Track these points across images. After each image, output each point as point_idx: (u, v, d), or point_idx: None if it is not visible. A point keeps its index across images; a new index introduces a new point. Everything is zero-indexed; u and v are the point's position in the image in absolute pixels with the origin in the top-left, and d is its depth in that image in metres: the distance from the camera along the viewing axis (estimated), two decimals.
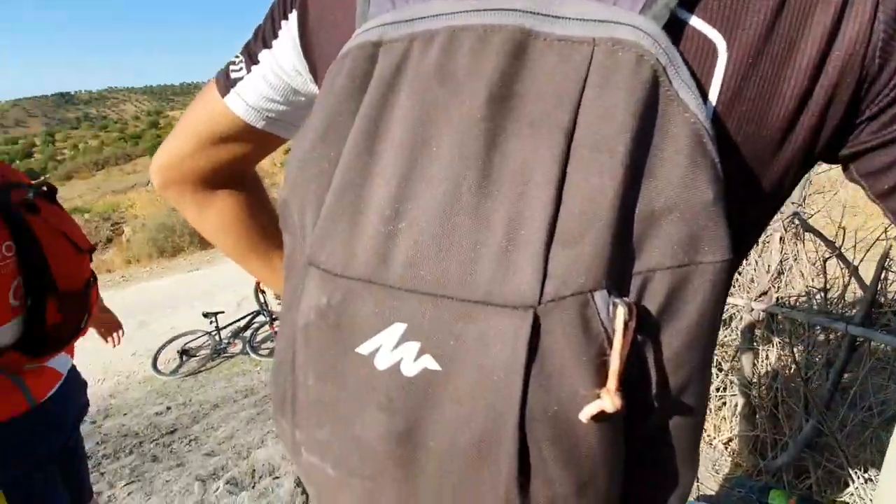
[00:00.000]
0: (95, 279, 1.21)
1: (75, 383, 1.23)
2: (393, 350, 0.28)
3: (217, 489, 2.25)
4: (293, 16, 0.44)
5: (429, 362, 0.28)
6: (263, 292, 6.10)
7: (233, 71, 0.50)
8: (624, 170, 0.26)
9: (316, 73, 0.45)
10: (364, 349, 0.29)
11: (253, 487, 2.23)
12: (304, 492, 2.08)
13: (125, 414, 4.29)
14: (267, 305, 5.94)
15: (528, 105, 0.27)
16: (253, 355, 5.27)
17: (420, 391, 0.28)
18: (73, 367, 1.24)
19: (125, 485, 2.64)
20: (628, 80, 0.26)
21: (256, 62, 0.48)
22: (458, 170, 0.28)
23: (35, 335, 1.02)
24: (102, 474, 2.67)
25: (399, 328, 0.28)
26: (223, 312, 5.69)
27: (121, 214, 13.89)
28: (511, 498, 0.27)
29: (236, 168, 0.56)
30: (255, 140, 0.53)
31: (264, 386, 4.56)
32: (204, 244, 11.05)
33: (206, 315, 5.51)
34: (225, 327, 5.59)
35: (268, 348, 5.49)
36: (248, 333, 5.59)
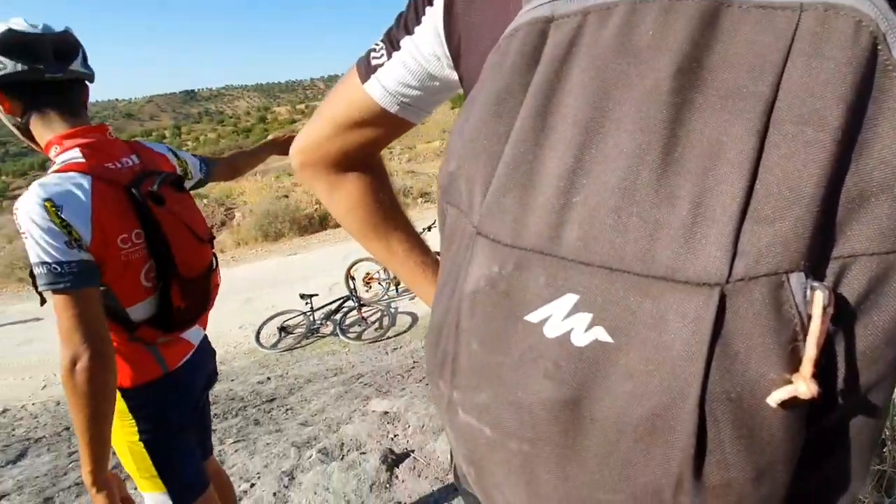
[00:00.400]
0: (216, 266, 1.32)
1: (205, 353, 1.36)
2: (564, 320, 0.29)
3: (310, 456, 2.42)
4: (438, 2, 0.46)
5: (601, 334, 0.28)
6: (353, 279, 6.43)
7: (374, 58, 0.52)
8: (835, 145, 0.24)
9: (459, 56, 0.46)
10: (533, 317, 0.29)
11: (341, 459, 2.37)
12: (388, 468, 2.17)
13: (232, 380, 4.75)
14: (356, 291, 6.25)
15: (720, 76, 0.26)
16: (342, 337, 5.59)
17: (590, 362, 0.28)
18: (205, 338, 1.38)
19: (232, 442, 2.92)
20: (844, 48, 0.24)
21: (397, 48, 0.50)
22: (640, 144, 0.27)
23: (163, 312, 1.14)
24: (214, 431, 2.97)
25: (571, 299, 0.28)
26: (317, 295, 6.07)
27: (233, 200, 15.30)
28: (684, 476, 0.27)
29: (366, 152, 0.60)
30: (388, 125, 0.56)
31: (351, 367, 4.82)
32: (302, 230, 11.86)
33: (302, 296, 5.92)
34: (318, 309, 5.97)
35: (355, 332, 5.79)
36: (338, 317, 5.93)
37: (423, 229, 6.61)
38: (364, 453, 2.34)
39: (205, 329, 1.37)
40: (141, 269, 1.09)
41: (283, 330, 5.82)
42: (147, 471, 1.17)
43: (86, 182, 1.00)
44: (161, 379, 1.18)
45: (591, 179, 0.28)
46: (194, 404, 1.31)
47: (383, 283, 6.64)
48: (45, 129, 1.06)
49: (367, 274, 6.67)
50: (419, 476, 2.10)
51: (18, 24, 1.01)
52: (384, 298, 6.58)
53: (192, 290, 1.19)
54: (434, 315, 0.38)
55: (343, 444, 2.53)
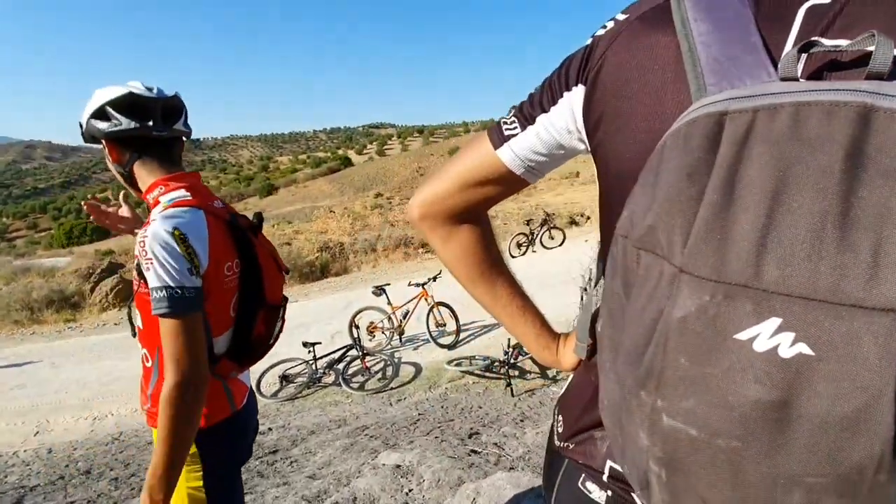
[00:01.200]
0: (286, 299, 1.38)
1: (253, 396, 1.39)
2: (770, 338, 0.36)
3: None
4: (578, 89, 0.57)
5: (803, 348, 0.35)
6: (357, 327, 6.40)
7: (507, 129, 0.64)
8: None
9: (595, 131, 0.57)
10: (742, 336, 0.37)
11: None
12: None
13: None
14: (360, 341, 6.20)
15: (878, 160, 0.35)
16: (345, 387, 5.50)
17: (795, 370, 0.35)
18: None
19: None
20: None
21: (532, 122, 0.62)
22: (822, 206, 0.35)
23: (242, 345, 1.18)
24: None
25: (775, 322, 0.36)
26: (320, 343, 6.03)
27: None
28: (885, 457, 0.34)
29: (483, 207, 0.70)
30: (509, 184, 0.67)
31: (355, 418, 4.72)
32: (303, 278, 11.86)
33: (305, 344, 5.87)
34: (321, 357, 5.90)
35: (358, 381, 5.71)
36: (341, 366, 5.86)
37: (429, 279, 6.66)
38: None
39: (249, 372, 1.40)
40: (232, 298, 1.16)
41: (285, 378, 5.72)
42: None
43: (200, 215, 1.09)
44: (230, 418, 1.20)
45: (781, 231, 0.36)
46: (249, 449, 1.32)
47: (387, 333, 6.61)
48: (148, 175, 1.16)
49: (371, 323, 6.65)
50: None
51: (136, 87, 1.12)
52: (387, 348, 6.53)
53: (272, 316, 1.26)
54: (629, 339, 0.45)
55: (356, 498, 2.46)
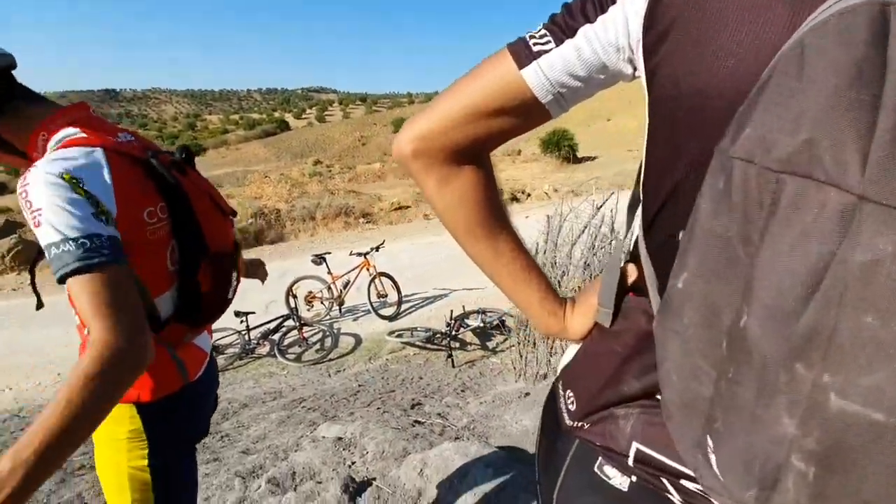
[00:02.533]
0: (239, 246, 1.18)
1: (214, 364, 1.21)
2: None
3: (259, 487, 2.21)
4: None
5: None
6: (295, 297, 6.14)
7: (535, 44, 0.51)
8: None
9: (662, 40, 0.45)
10: None
11: (295, 490, 2.19)
12: (350, 498, 2.03)
13: None
14: (297, 310, 5.96)
15: None
16: (280, 358, 5.27)
17: None
18: (213, 347, 1.22)
19: None
20: None
21: (571, 35, 0.49)
22: None
23: (190, 303, 0.99)
24: None
25: None
26: (254, 313, 5.72)
27: None
28: None
29: (491, 144, 0.57)
30: (528, 116, 0.54)
31: (292, 390, 4.54)
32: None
33: (237, 314, 5.54)
34: (254, 328, 5.61)
35: (294, 353, 5.50)
36: (276, 336, 5.61)
37: (371, 249, 6.49)
38: (321, 482, 2.17)
39: (211, 335, 1.22)
40: (166, 250, 0.96)
41: (215, 349, 5.37)
42: (143, 503, 1.00)
43: (98, 154, 0.86)
44: (182, 391, 1.02)
45: None
46: (205, 423, 1.16)
47: (326, 303, 6.40)
48: (21, 128, 0.91)
49: (310, 293, 6.41)
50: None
51: None
52: (326, 319, 6.33)
53: (221, 271, 1.06)
54: (765, 295, 0.34)
55: (295, 472, 2.34)
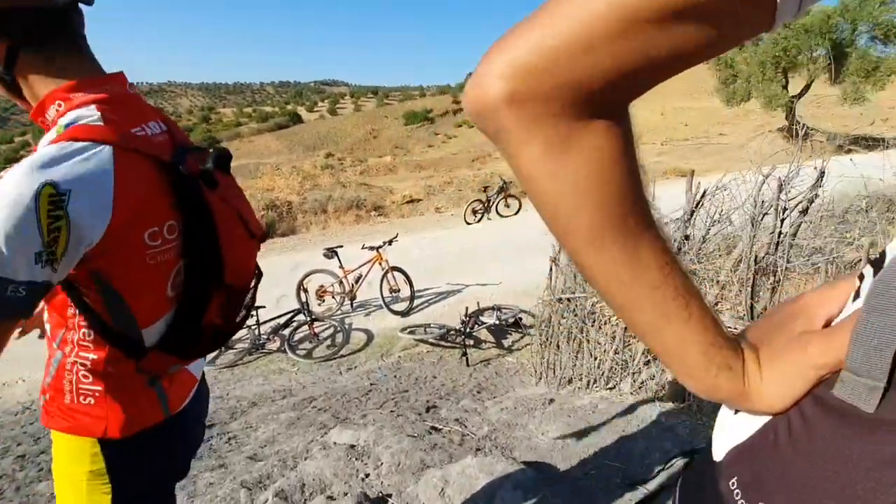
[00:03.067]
0: (261, 274, 1.01)
1: (204, 390, 1.05)
2: None
3: (265, 501, 2.05)
4: None
5: None
6: (306, 291, 5.99)
7: None
8: None
9: None
10: None
11: None
12: None
13: None
14: (308, 305, 5.82)
15: None
16: (291, 354, 5.13)
17: None
18: (203, 371, 1.05)
19: None
20: None
21: None
22: None
23: (186, 333, 0.82)
24: None
25: None
26: (264, 307, 5.58)
27: None
28: None
29: (648, 80, 0.34)
30: (730, 20, 0.30)
31: (302, 388, 4.40)
32: None
33: None
34: (264, 322, 5.48)
35: (305, 349, 5.35)
36: (287, 332, 5.46)
37: (384, 242, 6.31)
38: (333, 498, 2.00)
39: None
40: (169, 276, 0.79)
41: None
42: None
43: (106, 156, 0.69)
44: (160, 425, 0.86)
45: None
46: (186, 461, 0.98)
47: (337, 298, 6.24)
48: (40, 81, 0.74)
49: (321, 287, 6.26)
50: None
51: None
52: (338, 314, 6.18)
53: (234, 302, 0.90)
54: None
55: (304, 484, 2.17)
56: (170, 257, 0.77)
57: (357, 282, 6.23)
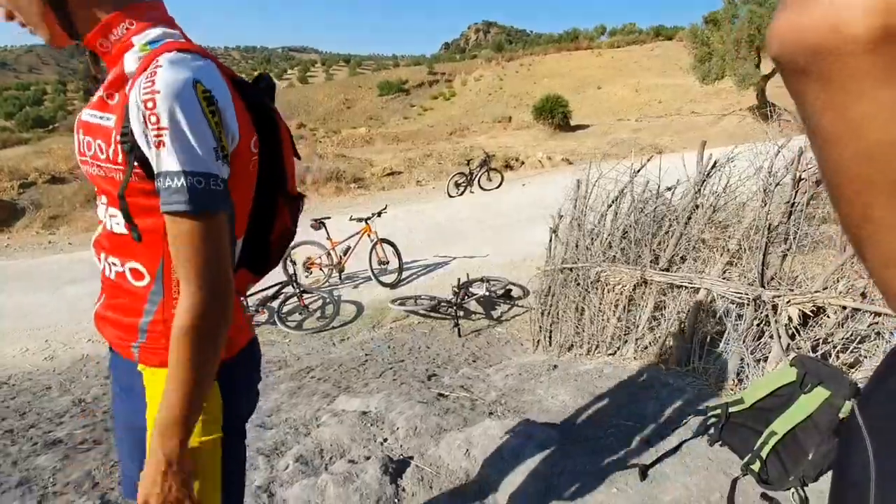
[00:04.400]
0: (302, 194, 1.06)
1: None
2: None
3: (287, 467, 2.04)
4: None
5: None
6: (293, 263, 5.89)
7: None
8: None
9: None
10: None
11: (326, 470, 2.03)
12: (391, 480, 1.88)
13: None
14: (296, 277, 5.73)
15: None
16: (281, 326, 5.08)
17: None
18: None
19: None
20: None
21: None
22: None
23: (260, 247, 0.88)
24: None
25: None
26: None
27: None
28: None
29: None
30: None
31: (297, 359, 4.37)
32: None
33: None
34: (251, 294, 5.38)
35: (295, 320, 5.30)
36: (275, 304, 5.39)
37: (373, 214, 6.23)
38: (354, 462, 2.01)
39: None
40: (254, 187, 0.85)
41: None
42: (211, 481, 0.84)
43: (214, 68, 0.73)
44: (249, 346, 0.91)
45: None
46: (256, 396, 1.04)
47: (325, 269, 6.17)
48: (96, 2, 0.74)
49: (309, 258, 6.16)
50: (430, 487, 1.84)
51: None
52: (326, 285, 6.12)
53: (295, 211, 0.97)
54: None
55: (322, 450, 2.18)
56: (255, 169, 0.83)
57: (346, 254, 6.16)
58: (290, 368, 4.01)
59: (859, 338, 1.79)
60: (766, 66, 23.08)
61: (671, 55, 38.84)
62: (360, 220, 6.18)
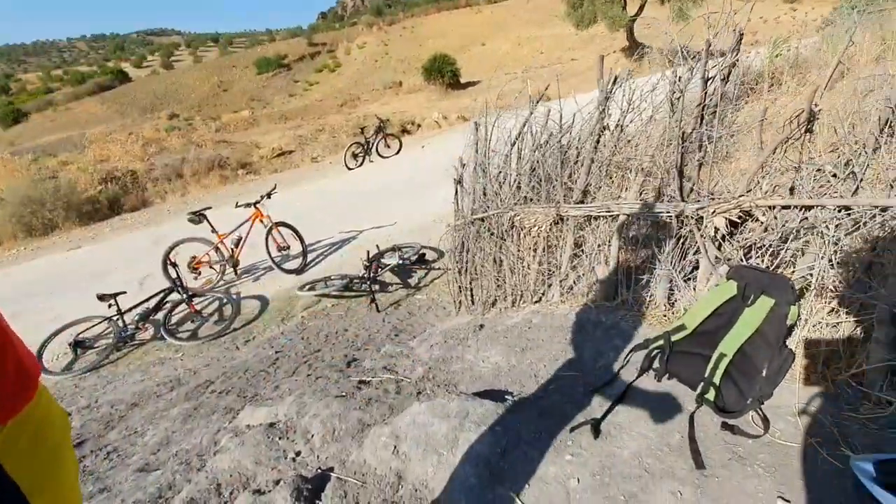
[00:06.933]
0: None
1: None
2: None
3: None
4: None
5: None
6: (175, 266, 5.11)
7: None
8: None
9: None
10: None
11: None
12: (308, 502, 1.51)
13: None
14: (181, 281, 4.97)
15: None
16: (170, 339, 4.37)
17: None
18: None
19: None
20: None
21: None
22: None
23: None
24: None
25: None
26: (125, 293, 4.66)
27: None
28: None
29: None
30: None
31: (192, 374, 3.76)
32: (84, 218, 9.26)
33: (102, 298, 4.45)
34: (129, 310, 4.58)
35: (188, 330, 4.61)
36: (160, 315, 4.64)
37: (262, 196, 5.57)
38: (262, 492, 1.62)
39: None
40: None
41: (79, 345, 4.34)
42: None
43: None
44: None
45: None
46: None
47: (216, 267, 5.45)
48: None
49: (194, 258, 5.39)
50: (356, 503, 1.49)
51: None
52: (220, 285, 5.41)
53: None
54: None
55: (220, 484, 1.75)
56: None
57: (237, 245, 5.46)
58: (186, 387, 3.43)
59: (793, 235, 1.71)
60: (633, 8, 24.27)
61: (546, 6, 39.72)
62: (247, 205, 5.49)
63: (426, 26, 45.59)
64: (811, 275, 1.62)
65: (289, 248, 5.68)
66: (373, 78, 35.96)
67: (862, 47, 6.40)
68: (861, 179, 1.52)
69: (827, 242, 1.55)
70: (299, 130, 16.35)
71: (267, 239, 5.35)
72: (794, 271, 1.69)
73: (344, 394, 2.31)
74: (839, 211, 1.50)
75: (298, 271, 5.51)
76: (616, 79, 2.20)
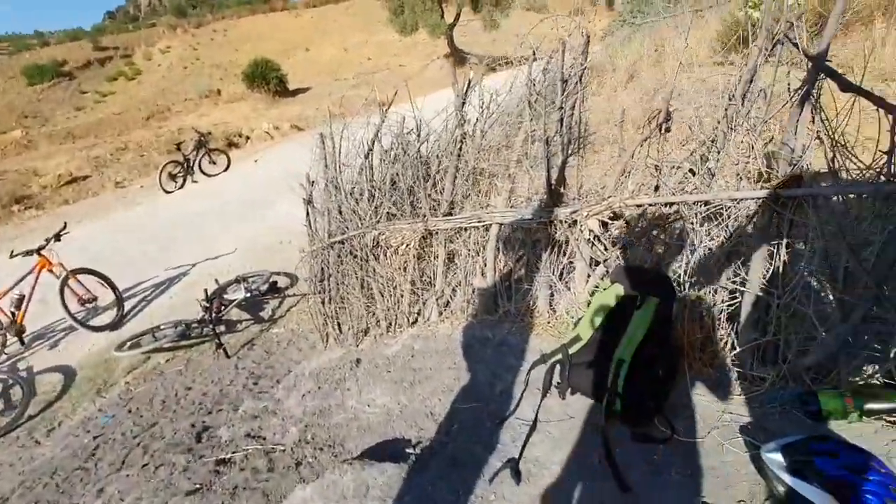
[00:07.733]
0: None
1: None
2: None
3: None
4: None
5: None
6: None
7: None
8: None
9: None
10: None
11: None
12: None
13: None
14: None
15: None
16: None
17: None
18: None
19: None
20: None
21: None
22: None
23: None
24: None
25: None
26: None
27: None
28: None
29: None
30: None
31: None
32: None
33: None
34: None
35: None
36: None
37: (47, 240, 4.40)
38: None
39: None
40: None
41: None
42: None
43: None
44: None
45: None
46: None
47: None
48: None
49: None
50: None
51: None
52: (2, 360, 4.14)
53: None
54: None
55: None
56: None
57: (20, 307, 4.23)
58: None
59: (660, 230, 1.79)
60: (450, 16, 25.65)
61: (368, 12, 39.84)
62: (27, 253, 4.30)
63: (240, 29, 42.35)
64: (682, 267, 1.71)
65: (96, 299, 4.61)
66: (184, 86, 32.14)
67: (642, 54, 7.51)
68: (713, 175, 1.64)
69: (696, 235, 1.64)
70: (94, 150, 13.73)
71: (62, 292, 4.24)
72: (667, 263, 1.78)
73: (198, 485, 1.83)
74: (702, 206, 1.60)
75: (113, 326, 4.49)
76: (470, 83, 2.10)
